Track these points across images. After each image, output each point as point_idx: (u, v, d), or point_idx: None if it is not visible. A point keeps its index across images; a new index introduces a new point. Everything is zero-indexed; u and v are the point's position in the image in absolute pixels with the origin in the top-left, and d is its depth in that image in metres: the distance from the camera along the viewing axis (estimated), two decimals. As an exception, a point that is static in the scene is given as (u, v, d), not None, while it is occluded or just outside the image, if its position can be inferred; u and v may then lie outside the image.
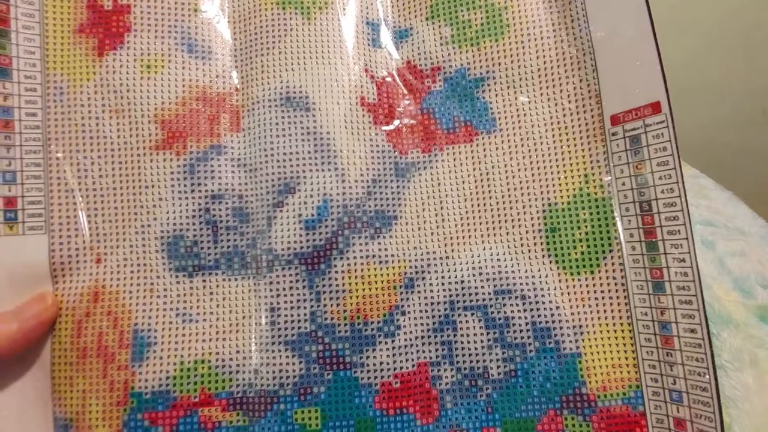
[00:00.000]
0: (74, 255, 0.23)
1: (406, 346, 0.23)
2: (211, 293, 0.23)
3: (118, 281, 0.23)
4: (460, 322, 0.23)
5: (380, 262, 0.23)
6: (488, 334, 0.23)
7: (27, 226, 0.23)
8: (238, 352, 0.23)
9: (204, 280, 0.23)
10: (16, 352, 0.22)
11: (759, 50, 0.64)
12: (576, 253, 0.23)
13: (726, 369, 0.31)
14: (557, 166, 0.24)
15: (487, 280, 0.23)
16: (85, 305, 0.23)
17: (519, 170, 0.24)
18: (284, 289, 0.23)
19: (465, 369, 0.23)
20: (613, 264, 0.23)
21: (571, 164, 0.24)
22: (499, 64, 0.25)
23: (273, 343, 0.23)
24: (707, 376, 0.21)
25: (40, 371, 0.22)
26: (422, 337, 0.23)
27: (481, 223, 0.24)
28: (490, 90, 0.25)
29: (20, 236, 0.22)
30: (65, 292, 0.23)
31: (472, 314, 0.23)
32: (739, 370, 0.31)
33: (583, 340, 0.23)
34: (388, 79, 0.25)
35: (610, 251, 0.23)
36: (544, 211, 0.24)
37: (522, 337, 0.23)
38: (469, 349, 0.23)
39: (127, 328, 0.23)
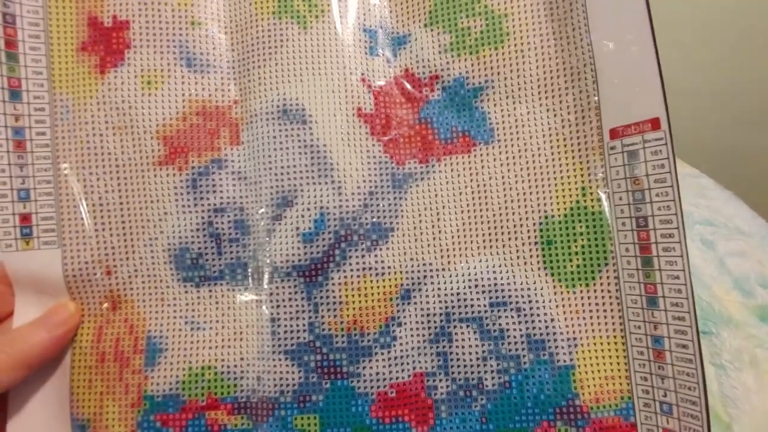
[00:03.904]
0: (85, 268, 0.24)
1: (402, 357, 0.23)
2: (217, 303, 0.24)
3: (131, 291, 0.24)
4: (456, 333, 0.24)
5: (377, 274, 0.24)
6: (483, 345, 0.23)
7: (42, 241, 0.24)
8: (242, 359, 0.24)
9: (210, 290, 0.24)
10: (47, 359, 0.23)
11: (758, 50, 0.63)
12: (572, 266, 0.23)
13: (726, 369, 0.31)
14: (555, 178, 0.24)
15: (483, 292, 0.24)
16: (105, 313, 0.24)
17: (516, 182, 0.24)
18: (283, 301, 0.24)
19: (460, 380, 0.23)
20: (608, 278, 0.23)
21: (568, 177, 0.24)
22: (499, 73, 0.24)
23: (274, 353, 0.24)
24: (697, 391, 0.21)
25: (60, 374, 0.24)
26: (418, 348, 0.24)
27: (477, 235, 0.24)
28: (488, 100, 0.25)
29: (36, 251, 0.24)
30: (82, 301, 0.24)
31: (468, 326, 0.24)
32: (739, 370, 0.31)
33: (576, 352, 0.23)
34: (386, 88, 0.25)
35: (606, 265, 0.23)
36: (540, 223, 0.24)
37: (516, 349, 0.23)
38: (464, 360, 0.23)
39: (141, 334, 0.24)
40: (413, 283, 0.24)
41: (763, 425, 0.29)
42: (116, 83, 0.24)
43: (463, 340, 0.24)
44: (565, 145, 0.24)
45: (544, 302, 0.23)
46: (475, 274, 0.24)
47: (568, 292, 0.23)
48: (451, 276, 0.24)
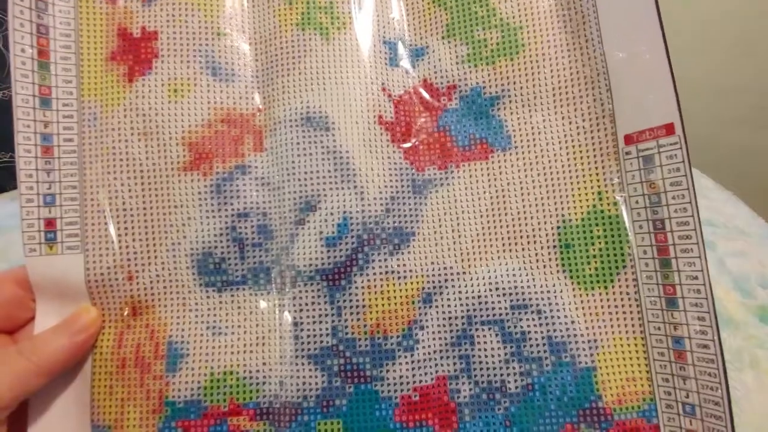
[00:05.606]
0: (107, 273, 0.24)
1: (424, 360, 0.24)
2: (239, 308, 0.24)
3: (152, 296, 0.24)
4: (478, 336, 0.24)
5: (399, 278, 0.24)
6: (505, 348, 0.24)
7: (65, 246, 0.24)
8: (264, 364, 0.24)
9: (232, 295, 0.24)
10: (69, 366, 0.23)
11: (758, 50, 0.64)
12: (590, 269, 0.24)
13: (726, 369, 0.31)
14: (571, 183, 0.24)
15: (504, 295, 0.24)
16: (126, 319, 0.24)
17: (534, 187, 0.25)
18: (306, 305, 0.24)
19: (483, 383, 0.23)
20: (626, 280, 0.23)
21: (584, 182, 0.24)
22: (515, 83, 0.25)
23: (297, 357, 0.24)
24: (719, 391, 0.21)
25: (81, 380, 0.24)
26: (440, 351, 0.24)
27: (497, 239, 0.25)
28: (505, 108, 0.25)
29: (59, 255, 0.24)
30: (103, 307, 0.24)
31: (489, 329, 0.24)
32: (739, 370, 0.31)
33: (597, 354, 0.23)
34: (405, 97, 0.26)
35: (624, 267, 0.23)
36: (558, 227, 0.24)
37: (538, 351, 0.23)
38: (487, 363, 0.24)
39: (162, 340, 0.24)
40: (435, 287, 0.24)
41: (763, 425, 0.29)
42: (144, 91, 0.25)
43: (485, 342, 0.24)
44: (581, 152, 0.24)
45: (564, 305, 0.24)
46: (496, 278, 0.24)
47: (587, 294, 0.24)
48: (471, 279, 0.24)
